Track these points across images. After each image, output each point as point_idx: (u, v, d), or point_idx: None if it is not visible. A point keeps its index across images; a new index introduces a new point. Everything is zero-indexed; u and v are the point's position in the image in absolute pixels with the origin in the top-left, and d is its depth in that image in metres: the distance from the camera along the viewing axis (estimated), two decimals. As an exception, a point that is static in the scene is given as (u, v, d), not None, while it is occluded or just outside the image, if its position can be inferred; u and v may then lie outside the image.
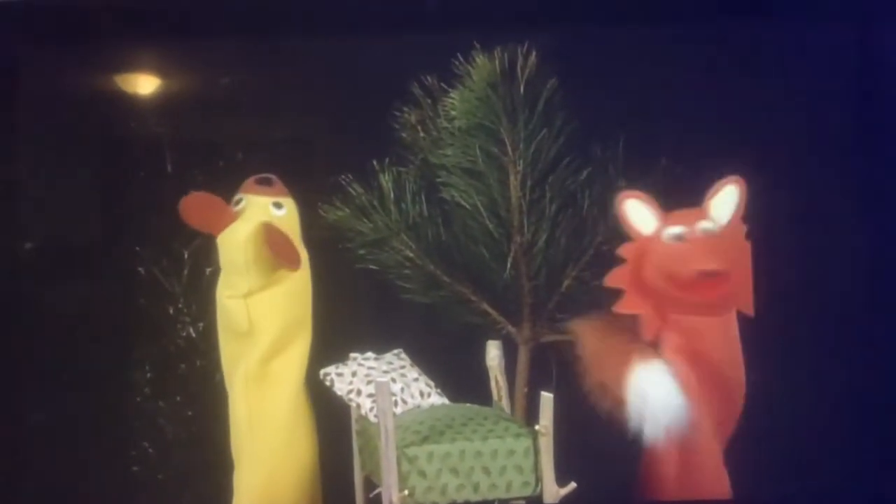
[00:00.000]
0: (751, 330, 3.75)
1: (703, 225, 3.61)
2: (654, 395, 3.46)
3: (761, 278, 3.73)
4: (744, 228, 3.66)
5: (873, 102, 4.13)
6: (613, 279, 3.66)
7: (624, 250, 3.66)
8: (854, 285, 4.15)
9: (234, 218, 3.72)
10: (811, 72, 4.13)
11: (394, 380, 3.52)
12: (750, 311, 3.65)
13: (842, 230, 4.15)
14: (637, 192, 3.67)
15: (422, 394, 3.57)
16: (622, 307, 3.64)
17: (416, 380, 3.61)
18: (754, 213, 3.71)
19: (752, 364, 3.75)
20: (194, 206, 3.71)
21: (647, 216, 3.65)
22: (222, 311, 3.76)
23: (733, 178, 3.63)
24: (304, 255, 3.77)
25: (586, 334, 3.62)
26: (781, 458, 4.00)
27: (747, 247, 3.64)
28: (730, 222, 3.61)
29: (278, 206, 3.77)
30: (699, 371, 3.57)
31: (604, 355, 3.57)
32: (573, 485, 3.35)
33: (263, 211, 3.74)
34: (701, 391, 3.54)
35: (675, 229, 3.60)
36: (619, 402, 3.50)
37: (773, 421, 3.93)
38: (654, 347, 3.61)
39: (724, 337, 3.65)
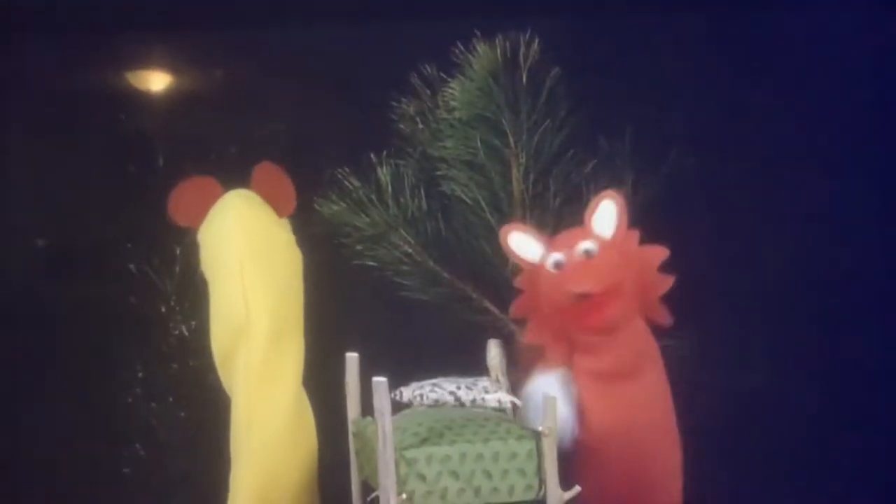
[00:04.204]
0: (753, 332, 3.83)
1: (583, 246, 3.48)
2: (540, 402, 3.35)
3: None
4: (635, 239, 3.51)
5: (891, 96, 4.16)
6: (515, 310, 3.62)
7: (518, 281, 3.58)
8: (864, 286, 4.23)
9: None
10: (824, 60, 4.15)
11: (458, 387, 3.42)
12: (662, 320, 3.51)
13: (854, 229, 4.21)
14: (519, 225, 3.59)
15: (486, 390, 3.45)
16: (528, 337, 3.60)
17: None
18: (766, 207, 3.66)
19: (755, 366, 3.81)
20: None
21: (530, 246, 3.53)
22: (218, 304, 3.67)
23: (609, 192, 3.51)
24: (297, 248, 3.72)
25: None
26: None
27: (639, 258, 3.49)
28: (613, 239, 3.48)
29: None
30: (607, 395, 3.46)
31: None
32: (578, 488, 3.28)
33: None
34: (605, 416, 3.44)
35: (555, 256, 3.49)
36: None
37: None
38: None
39: (630, 352, 3.48)
